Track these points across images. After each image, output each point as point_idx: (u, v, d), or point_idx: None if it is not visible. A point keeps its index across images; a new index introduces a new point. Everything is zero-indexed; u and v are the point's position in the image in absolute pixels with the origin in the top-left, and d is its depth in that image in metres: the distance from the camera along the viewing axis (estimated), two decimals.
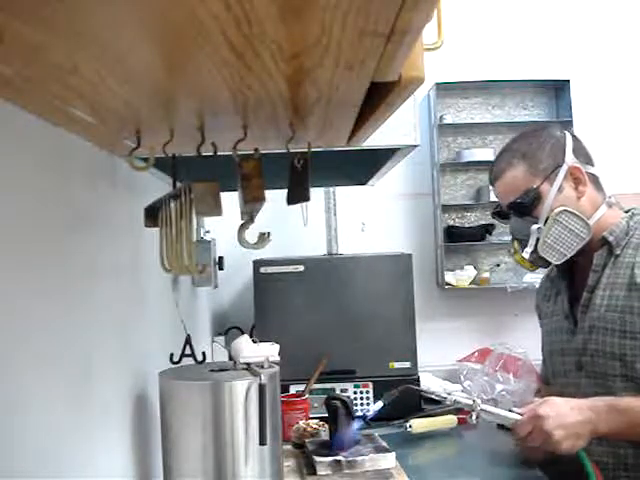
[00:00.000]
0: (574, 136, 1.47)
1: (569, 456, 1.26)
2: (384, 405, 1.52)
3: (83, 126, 0.84)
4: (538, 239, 1.40)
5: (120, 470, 1.12)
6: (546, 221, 1.39)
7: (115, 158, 1.11)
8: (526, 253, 1.43)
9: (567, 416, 1.23)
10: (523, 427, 1.26)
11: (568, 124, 3.02)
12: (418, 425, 1.69)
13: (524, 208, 1.42)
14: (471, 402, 1.38)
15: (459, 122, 3.19)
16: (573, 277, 1.49)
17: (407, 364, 2.15)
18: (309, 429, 1.63)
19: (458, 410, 1.74)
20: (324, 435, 1.59)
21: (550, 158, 1.42)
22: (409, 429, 1.68)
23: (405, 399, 1.55)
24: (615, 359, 1.32)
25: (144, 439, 1.27)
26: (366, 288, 2.20)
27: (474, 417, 1.37)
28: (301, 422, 1.67)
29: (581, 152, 1.44)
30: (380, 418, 1.61)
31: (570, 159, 1.41)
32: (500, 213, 1.53)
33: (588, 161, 1.45)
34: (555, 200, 1.40)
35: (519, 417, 1.29)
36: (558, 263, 1.42)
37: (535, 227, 1.41)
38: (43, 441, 0.77)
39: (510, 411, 1.33)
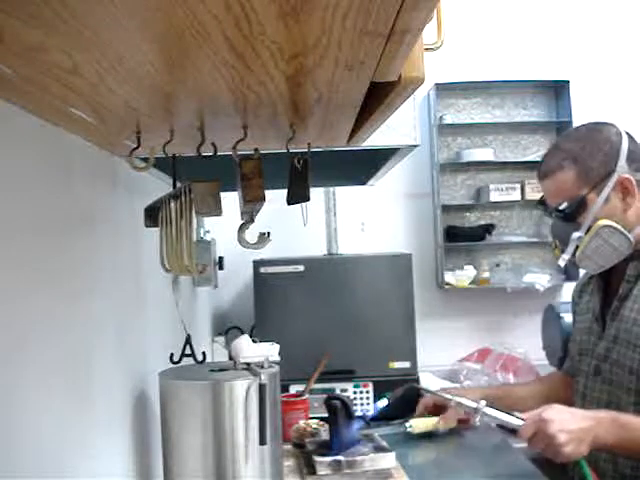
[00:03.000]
0: (632, 139, 1.41)
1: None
2: (389, 403, 1.52)
3: (83, 126, 0.84)
4: (577, 246, 1.38)
5: (120, 470, 1.12)
6: (588, 230, 1.37)
7: (115, 158, 1.11)
8: (562, 260, 1.41)
9: (570, 421, 1.24)
10: (527, 430, 1.26)
11: (568, 124, 3.03)
12: (418, 425, 1.69)
13: (568, 214, 1.39)
14: (475, 405, 1.37)
15: (459, 122, 3.19)
16: (609, 280, 1.47)
17: (407, 364, 2.16)
18: (309, 429, 1.63)
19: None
20: (324, 435, 1.59)
21: (602, 166, 1.37)
22: (409, 429, 1.68)
23: (407, 399, 1.55)
24: (632, 373, 1.32)
25: (144, 439, 1.27)
26: (366, 288, 2.20)
27: (477, 419, 1.37)
28: (301, 422, 1.67)
29: (635, 158, 1.38)
30: (380, 418, 1.61)
31: (622, 168, 1.36)
32: (545, 205, 1.49)
33: None
34: (600, 210, 1.36)
35: (521, 422, 1.29)
36: (594, 273, 1.42)
37: (576, 235, 1.38)
38: (43, 441, 0.77)
39: (513, 415, 1.32)
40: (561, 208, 1.40)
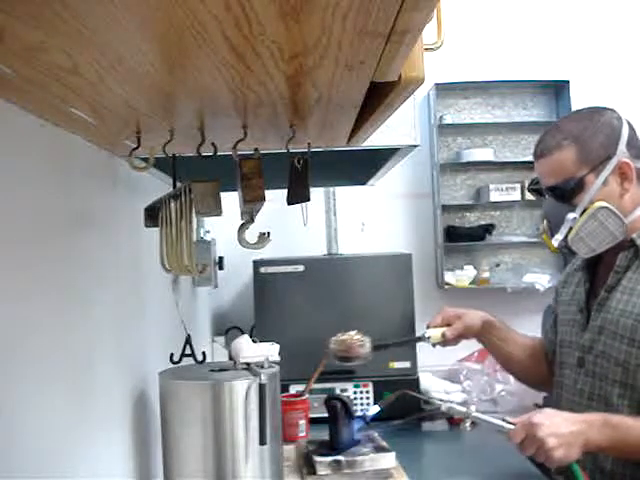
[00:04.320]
0: (631, 126, 1.40)
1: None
2: (381, 410, 1.51)
3: (83, 126, 0.84)
4: (570, 228, 1.36)
5: (120, 470, 1.12)
6: (582, 212, 1.35)
7: (115, 158, 1.11)
8: (556, 240, 1.38)
9: (560, 425, 1.23)
10: (517, 434, 1.26)
11: None
12: (436, 335, 1.64)
13: (564, 194, 1.37)
14: (465, 410, 1.36)
15: (459, 122, 3.19)
16: (596, 271, 1.46)
17: (407, 364, 2.15)
18: (355, 341, 1.42)
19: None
20: (368, 347, 1.45)
21: (602, 148, 1.35)
22: (428, 340, 1.62)
23: (403, 400, 1.54)
24: (618, 365, 1.31)
25: (144, 439, 1.27)
26: (366, 288, 2.20)
27: (467, 425, 1.37)
28: (340, 335, 1.48)
29: (634, 144, 1.38)
30: (380, 418, 1.61)
31: (622, 153, 1.35)
32: (538, 190, 1.46)
33: (639, 154, 1.38)
34: (598, 192, 1.34)
35: (512, 426, 1.28)
36: (586, 257, 1.39)
37: (571, 216, 1.35)
38: (43, 441, 0.77)
39: (503, 420, 1.32)
40: (559, 186, 1.37)
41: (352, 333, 1.50)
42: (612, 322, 1.34)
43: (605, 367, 1.34)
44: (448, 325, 1.64)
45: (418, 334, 1.66)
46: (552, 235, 1.41)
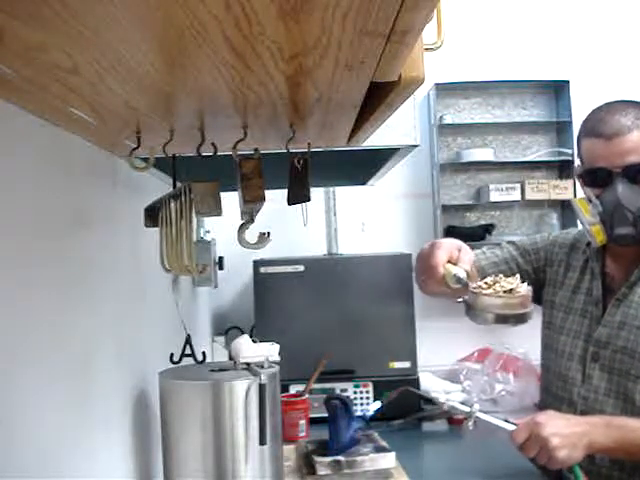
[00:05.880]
0: None
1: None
2: (382, 406, 1.52)
3: (83, 126, 0.84)
4: None
5: (120, 470, 1.12)
6: None
7: (115, 158, 1.11)
8: (626, 228, 1.32)
9: (564, 426, 1.24)
10: (520, 434, 1.26)
11: (568, 124, 3.03)
12: (461, 271, 1.30)
13: None
14: (468, 409, 1.37)
15: (459, 122, 3.19)
16: (604, 266, 1.44)
17: (407, 364, 2.15)
18: (521, 289, 1.16)
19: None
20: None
21: None
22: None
23: (404, 400, 1.54)
24: None
25: (144, 439, 1.27)
26: (366, 288, 2.20)
27: (470, 424, 1.37)
28: (489, 280, 1.24)
29: None
30: (380, 418, 1.61)
31: None
32: (596, 174, 1.37)
33: None
34: None
35: (514, 427, 1.28)
36: None
37: None
38: (43, 441, 0.77)
39: (507, 421, 1.32)
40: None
41: (508, 279, 1.21)
42: (636, 317, 1.33)
43: (627, 363, 1.33)
44: (449, 262, 1.34)
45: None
46: (609, 224, 1.34)
